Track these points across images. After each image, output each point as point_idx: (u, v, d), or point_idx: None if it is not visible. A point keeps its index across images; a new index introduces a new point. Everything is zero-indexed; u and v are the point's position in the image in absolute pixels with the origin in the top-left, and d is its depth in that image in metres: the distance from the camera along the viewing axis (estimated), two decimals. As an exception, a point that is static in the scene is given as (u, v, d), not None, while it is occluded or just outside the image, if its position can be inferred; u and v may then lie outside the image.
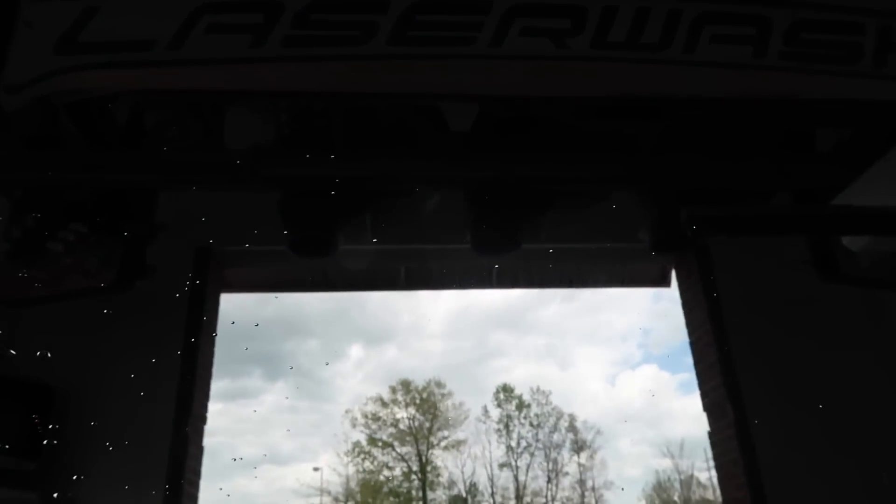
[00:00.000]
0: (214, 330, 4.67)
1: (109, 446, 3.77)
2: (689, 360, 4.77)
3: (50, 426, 3.64)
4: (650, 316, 69.27)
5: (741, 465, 4.10)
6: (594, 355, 69.54)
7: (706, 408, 4.60)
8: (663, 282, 5.62)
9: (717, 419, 4.46)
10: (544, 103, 1.88)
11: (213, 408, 4.53)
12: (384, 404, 50.40)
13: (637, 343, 73.44)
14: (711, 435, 4.51)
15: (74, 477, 3.67)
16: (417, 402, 50.96)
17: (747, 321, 4.45)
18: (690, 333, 4.86)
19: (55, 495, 3.58)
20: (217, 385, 4.60)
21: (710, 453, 4.69)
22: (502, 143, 2.17)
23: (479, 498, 52.38)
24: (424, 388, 51.37)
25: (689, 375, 65.87)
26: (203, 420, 4.37)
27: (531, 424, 53.04)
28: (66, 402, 3.78)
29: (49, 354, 3.87)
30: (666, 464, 40.67)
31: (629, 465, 63.18)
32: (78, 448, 3.75)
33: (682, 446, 45.32)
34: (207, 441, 4.32)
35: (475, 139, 2.19)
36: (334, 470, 52.11)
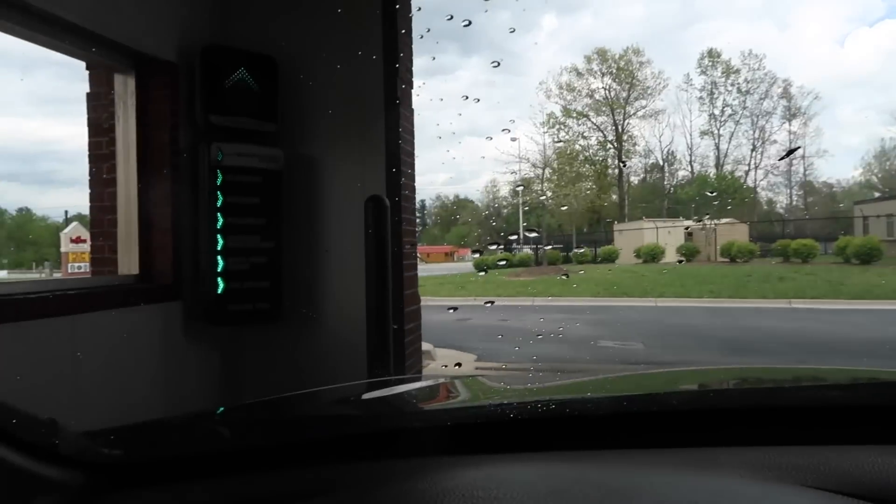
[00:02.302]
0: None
1: (324, 108, 4.08)
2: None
3: (278, 94, 3.96)
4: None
5: None
6: (822, 12, 59.68)
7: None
8: None
9: None
10: None
11: (414, 83, 4.63)
12: (579, 75, 49.32)
13: (883, -10, 61.26)
14: None
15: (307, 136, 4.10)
16: (614, 71, 49.03)
17: None
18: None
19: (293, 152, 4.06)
20: (415, 62, 4.62)
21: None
22: None
23: (675, 166, 52.52)
24: (621, 57, 48.92)
25: (948, 27, 54.79)
26: (410, 84, 4.51)
27: (738, 91, 49.56)
28: (288, 72, 4.04)
29: (269, 31, 4.07)
30: (894, 132, 36.48)
31: (849, 133, 57.98)
32: (304, 113, 4.11)
33: (918, 110, 40.02)
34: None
35: None
36: (531, 139, 54.18)
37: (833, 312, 13.97)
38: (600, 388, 1.38)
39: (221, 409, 1.37)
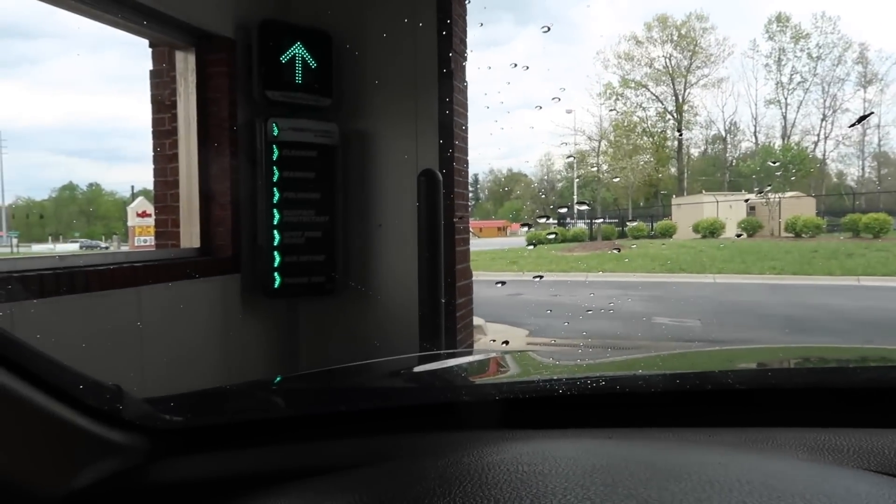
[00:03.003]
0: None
1: (378, 82, 4.08)
2: None
3: (333, 69, 3.99)
4: None
5: None
6: (907, -34, 55.86)
7: None
8: None
9: None
10: None
11: (468, 55, 4.59)
12: (638, 43, 47.88)
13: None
14: None
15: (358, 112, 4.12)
16: (675, 38, 47.39)
17: None
18: None
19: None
20: (469, 34, 4.58)
21: None
22: None
23: (738, 137, 50.70)
24: (683, 24, 47.22)
25: None
26: (463, 56, 4.46)
27: (809, 57, 47.30)
28: (342, 47, 4.05)
29: (323, 7, 4.08)
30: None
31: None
32: (359, 87, 4.12)
33: None
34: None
35: None
36: (587, 111, 53.10)
37: (906, 291, 13.32)
38: (652, 366, 1.36)
39: (279, 378, 1.42)
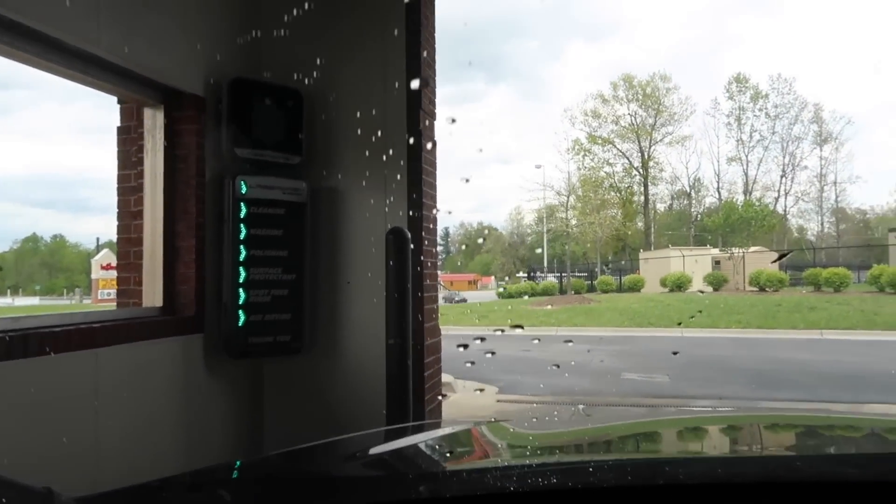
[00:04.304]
0: (433, 28, 4.60)
1: (348, 140, 4.11)
2: None
3: (303, 127, 4.01)
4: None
5: None
6: (854, 35, 59.23)
7: None
8: None
9: None
10: None
11: (440, 111, 4.68)
12: (605, 101, 49.42)
13: (917, 15, 60.59)
14: None
15: (328, 170, 4.12)
16: (640, 97, 49.04)
17: None
18: None
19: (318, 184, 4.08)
20: (442, 91, 4.67)
21: None
22: None
23: (702, 192, 52.08)
24: (648, 83, 48.98)
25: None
26: (433, 115, 4.53)
27: (767, 116, 49.26)
28: (313, 105, 4.08)
29: (294, 65, 4.13)
30: (931, 155, 35.82)
31: (883, 157, 57.07)
32: (329, 145, 4.14)
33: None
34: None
35: None
36: (556, 167, 54.22)
37: (867, 344, 13.60)
38: (613, 438, 1.34)
39: (238, 464, 1.34)
